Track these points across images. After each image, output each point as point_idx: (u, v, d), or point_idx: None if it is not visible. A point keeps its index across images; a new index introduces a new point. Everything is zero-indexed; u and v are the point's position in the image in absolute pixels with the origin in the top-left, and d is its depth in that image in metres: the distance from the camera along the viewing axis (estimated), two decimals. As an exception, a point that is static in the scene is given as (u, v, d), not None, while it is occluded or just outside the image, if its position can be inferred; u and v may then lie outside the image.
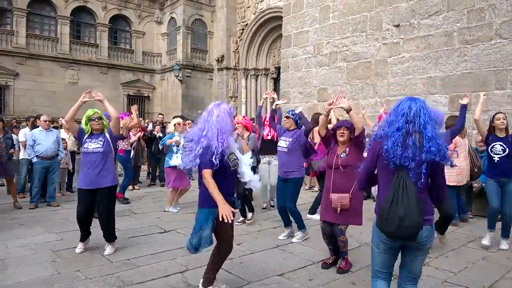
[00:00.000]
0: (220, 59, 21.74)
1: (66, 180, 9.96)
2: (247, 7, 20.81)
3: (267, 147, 7.97)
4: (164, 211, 8.04)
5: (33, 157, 8.41)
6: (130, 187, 10.13)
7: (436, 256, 5.37)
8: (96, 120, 5.38)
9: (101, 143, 5.36)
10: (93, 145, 5.33)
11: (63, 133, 9.97)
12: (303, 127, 6.21)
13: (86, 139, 5.38)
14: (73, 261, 5.06)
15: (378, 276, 3.12)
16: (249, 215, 7.23)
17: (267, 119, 7.50)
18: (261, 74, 21.36)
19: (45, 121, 8.53)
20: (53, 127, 9.14)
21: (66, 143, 9.62)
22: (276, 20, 18.50)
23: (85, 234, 5.54)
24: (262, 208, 8.36)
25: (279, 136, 6.38)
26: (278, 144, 6.28)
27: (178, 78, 21.54)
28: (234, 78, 21.50)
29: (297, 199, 6.18)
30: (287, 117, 6.18)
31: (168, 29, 23.43)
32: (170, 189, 8.18)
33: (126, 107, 22.20)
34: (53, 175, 8.59)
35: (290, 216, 6.17)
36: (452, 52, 9.03)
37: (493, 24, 8.42)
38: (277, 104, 6.67)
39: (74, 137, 6.24)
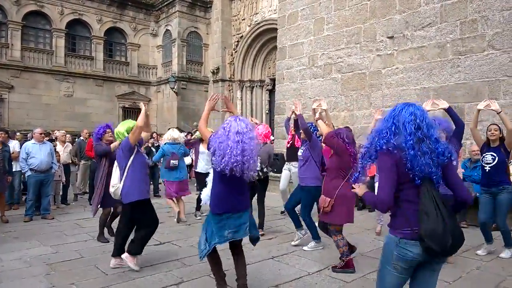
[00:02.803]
0: (215, 71, 21.81)
1: (61, 193, 9.91)
2: (242, 20, 20.92)
3: (288, 154, 8.11)
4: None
5: (26, 171, 8.35)
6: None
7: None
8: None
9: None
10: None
11: (58, 146, 9.97)
12: (321, 137, 6.30)
13: (138, 150, 5.39)
14: (68, 274, 5.03)
15: None
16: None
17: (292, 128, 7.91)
18: (256, 86, 21.42)
19: (40, 133, 8.51)
20: (48, 140, 9.12)
21: (60, 155, 9.59)
22: (271, 32, 18.60)
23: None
24: (281, 212, 8.64)
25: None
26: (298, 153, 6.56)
27: (173, 90, 21.58)
28: (230, 90, 21.53)
29: (310, 209, 6.24)
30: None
31: (164, 42, 23.50)
32: (170, 200, 8.31)
33: (121, 119, 22.19)
34: (47, 188, 8.52)
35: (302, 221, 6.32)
36: (446, 63, 9.11)
37: (485, 35, 8.52)
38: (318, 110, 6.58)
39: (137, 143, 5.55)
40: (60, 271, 5.17)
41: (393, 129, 2.78)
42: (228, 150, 3.83)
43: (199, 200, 8.19)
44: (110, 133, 6.63)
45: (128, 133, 5.33)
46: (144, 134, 5.80)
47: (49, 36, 20.91)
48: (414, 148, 2.67)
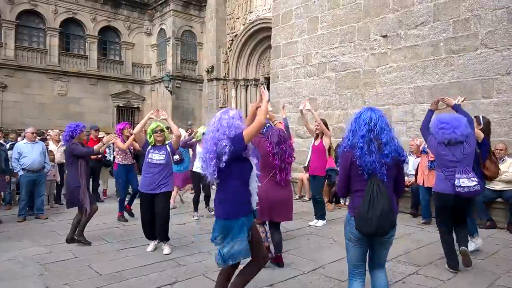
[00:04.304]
0: (210, 69, 21.78)
1: (55, 192, 9.86)
2: (237, 18, 20.90)
3: None
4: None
5: (18, 170, 8.29)
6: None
7: (425, 264, 5.39)
8: (159, 132, 5.98)
9: (164, 156, 5.94)
10: (156, 157, 5.92)
11: (51, 145, 9.92)
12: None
13: (149, 149, 5.98)
14: (62, 274, 5.01)
15: (354, 276, 3.43)
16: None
17: None
18: (251, 85, 21.41)
19: (32, 133, 8.46)
20: (41, 139, 9.06)
21: (54, 155, 9.54)
22: (265, 31, 18.57)
23: (151, 234, 6.08)
24: None
25: None
26: None
27: (168, 89, 21.54)
28: (224, 89, 21.52)
29: None
30: None
31: (158, 40, 23.48)
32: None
33: (116, 118, 22.17)
34: (40, 188, 8.47)
35: None
36: (439, 61, 9.14)
37: (478, 34, 8.54)
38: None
39: (139, 148, 6.91)
40: (53, 271, 5.14)
41: (352, 131, 3.35)
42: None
43: (195, 201, 8.38)
44: (84, 134, 6.89)
45: (150, 134, 6.01)
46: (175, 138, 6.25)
47: (43, 35, 20.86)
48: (363, 148, 3.21)
